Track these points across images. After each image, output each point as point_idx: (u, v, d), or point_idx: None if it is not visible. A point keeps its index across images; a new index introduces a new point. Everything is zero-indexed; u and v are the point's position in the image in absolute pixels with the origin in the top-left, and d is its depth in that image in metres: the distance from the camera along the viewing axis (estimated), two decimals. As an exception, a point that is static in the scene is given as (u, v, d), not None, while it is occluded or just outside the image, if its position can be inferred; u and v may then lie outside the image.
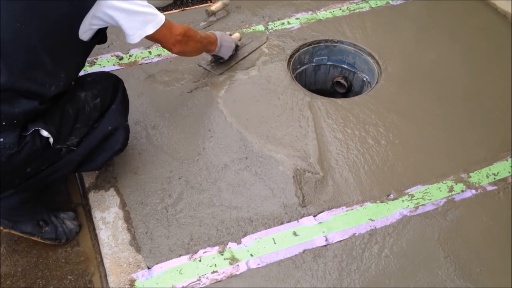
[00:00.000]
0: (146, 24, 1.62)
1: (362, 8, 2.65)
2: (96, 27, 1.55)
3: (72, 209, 1.93)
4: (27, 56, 1.40)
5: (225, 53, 2.21)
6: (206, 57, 2.28)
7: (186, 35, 1.81)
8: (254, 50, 2.38)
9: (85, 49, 1.64)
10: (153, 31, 1.64)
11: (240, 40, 2.37)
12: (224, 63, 2.28)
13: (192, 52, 1.97)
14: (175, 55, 1.95)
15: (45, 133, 1.48)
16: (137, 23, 1.59)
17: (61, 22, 1.44)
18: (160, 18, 1.65)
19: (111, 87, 1.74)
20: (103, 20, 1.53)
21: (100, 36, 1.64)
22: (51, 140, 1.50)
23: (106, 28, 1.63)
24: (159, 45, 1.81)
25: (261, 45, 2.41)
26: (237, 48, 2.31)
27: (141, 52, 2.36)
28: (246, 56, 2.34)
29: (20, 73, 1.38)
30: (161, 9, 2.68)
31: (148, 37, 1.67)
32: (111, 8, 1.50)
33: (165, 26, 1.69)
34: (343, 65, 2.53)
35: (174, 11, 2.65)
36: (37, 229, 1.77)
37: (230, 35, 2.31)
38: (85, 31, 1.52)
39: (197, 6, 2.69)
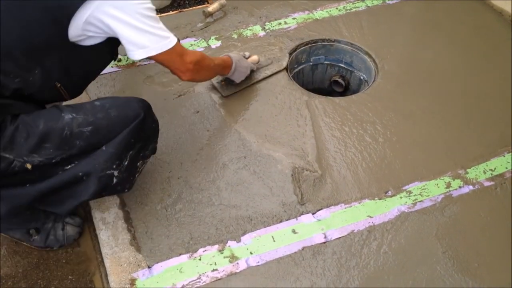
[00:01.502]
0: (148, 44, 1.50)
1: (359, 7, 2.67)
2: (93, 34, 1.46)
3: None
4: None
5: (238, 78, 2.11)
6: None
7: (199, 65, 1.70)
8: (270, 75, 2.26)
9: (84, 54, 1.52)
10: (158, 53, 1.53)
11: (258, 62, 2.25)
12: (234, 85, 2.17)
13: (203, 80, 1.96)
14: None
15: None
16: (140, 41, 1.48)
17: (45, 19, 1.37)
18: (167, 42, 1.54)
19: (121, 121, 1.52)
20: (100, 28, 1.45)
21: (112, 46, 1.57)
22: None
23: (117, 44, 1.57)
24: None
25: (280, 71, 2.28)
26: (251, 72, 2.21)
27: (139, 54, 2.37)
28: (260, 80, 2.23)
29: None
30: (158, 10, 2.68)
31: (154, 59, 1.58)
32: (110, 17, 1.41)
33: (175, 50, 1.57)
34: (340, 64, 2.55)
35: (171, 12, 2.66)
36: (26, 237, 1.76)
37: (249, 56, 2.21)
38: (79, 36, 1.44)
39: (194, 8, 2.70)
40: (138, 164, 1.64)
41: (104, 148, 1.51)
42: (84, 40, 1.48)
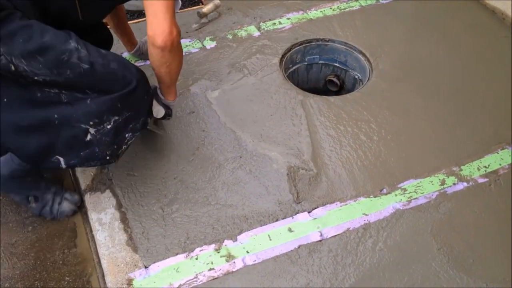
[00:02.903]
0: None
1: (352, 7, 2.68)
2: None
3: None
4: None
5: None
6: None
7: (178, 40, 1.52)
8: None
9: None
10: None
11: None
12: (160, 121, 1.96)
13: (173, 65, 1.61)
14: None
15: None
16: None
17: None
18: None
19: (116, 77, 1.48)
20: None
21: None
22: None
23: None
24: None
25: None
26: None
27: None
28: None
29: None
30: (153, 12, 2.69)
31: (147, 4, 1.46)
32: None
33: (171, 6, 1.46)
34: (335, 64, 2.56)
35: (166, 14, 2.67)
36: (24, 202, 1.86)
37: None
38: None
39: (188, 9, 2.71)
40: (127, 136, 1.59)
41: (88, 101, 1.48)
42: None
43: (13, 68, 1.36)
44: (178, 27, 1.52)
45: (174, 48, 1.51)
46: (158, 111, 1.75)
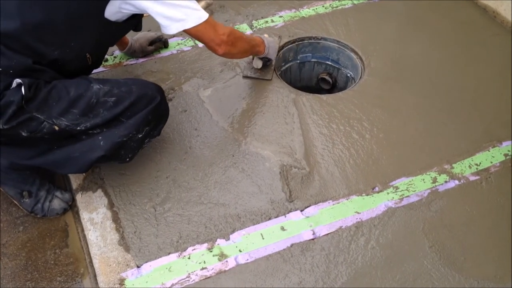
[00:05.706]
0: (184, 17, 1.60)
1: (345, 5, 2.68)
2: (127, 11, 1.62)
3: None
4: (44, 16, 1.48)
5: (273, 54, 2.18)
6: (249, 67, 2.25)
7: (232, 35, 1.76)
8: (278, 48, 2.36)
9: (112, 29, 1.67)
10: (192, 26, 1.62)
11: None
12: (268, 66, 2.26)
13: (239, 53, 1.93)
14: (173, 52, 1.92)
15: (18, 80, 1.44)
16: (174, 15, 1.59)
17: None
18: (200, 14, 1.63)
19: (141, 97, 1.66)
20: (135, 7, 1.59)
21: (135, 21, 1.73)
22: (23, 90, 1.44)
23: (141, 15, 1.71)
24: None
25: (280, 43, 2.41)
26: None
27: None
28: (277, 56, 2.33)
29: (33, 28, 1.46)
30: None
31: (189, 33, 1.67)
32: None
33: (208, 23, 1.66)
34: (327, 62, 2.56)
35: (158, 11, 2.65)
36: (18, 197, 1.87)
37: None
38: (114, 13, 1.60)
39: (181, 7, 2.70)
40: (146, 140, 1.75)
41: (125, 121, 1.64)
42: (116, 17, 1.63)
43: (57, 128, 1.55)
44: (223, 28, 1.73)
45: (232, 45, 1.76)
46: (257, 64, 2.20)
